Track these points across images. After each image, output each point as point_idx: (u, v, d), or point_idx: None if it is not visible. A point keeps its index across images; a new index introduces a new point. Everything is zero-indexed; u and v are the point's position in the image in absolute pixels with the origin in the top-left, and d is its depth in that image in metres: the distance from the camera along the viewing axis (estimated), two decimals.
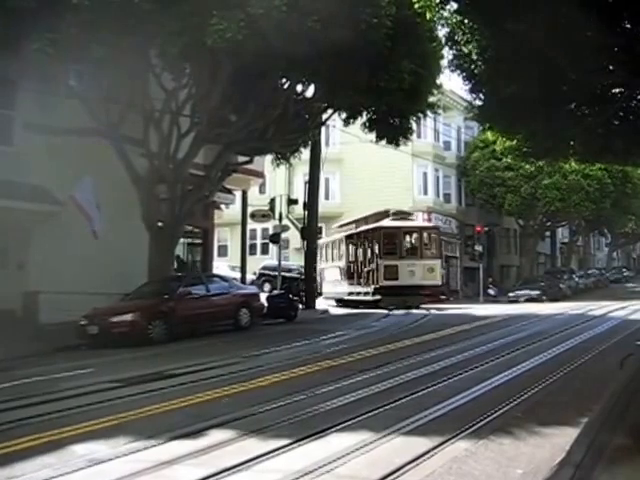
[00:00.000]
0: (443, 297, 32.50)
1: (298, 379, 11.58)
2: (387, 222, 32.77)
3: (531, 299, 38.40)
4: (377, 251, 31.73)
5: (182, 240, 24.74)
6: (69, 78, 19.31)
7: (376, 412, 8.70)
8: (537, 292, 39.72)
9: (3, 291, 19.04)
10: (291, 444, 7.32)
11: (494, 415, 8.41)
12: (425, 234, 33.16)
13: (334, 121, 29.06)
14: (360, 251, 34.20)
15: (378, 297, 30.44)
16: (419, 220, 39.19)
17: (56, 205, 19.30)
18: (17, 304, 19.59)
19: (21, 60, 16.86)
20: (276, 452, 7.06)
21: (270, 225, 33.59)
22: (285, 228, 30.99)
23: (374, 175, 43.10)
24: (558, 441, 7.17)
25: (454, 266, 45.84)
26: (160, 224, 21.00)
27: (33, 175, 19.01)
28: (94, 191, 18.90)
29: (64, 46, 16.15)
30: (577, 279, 50.42)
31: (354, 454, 6.91)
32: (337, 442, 7.37)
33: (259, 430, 7.92)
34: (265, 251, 44.66)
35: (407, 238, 33.14)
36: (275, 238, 30.31)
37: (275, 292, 26.79)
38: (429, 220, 42.52)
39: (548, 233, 58.08)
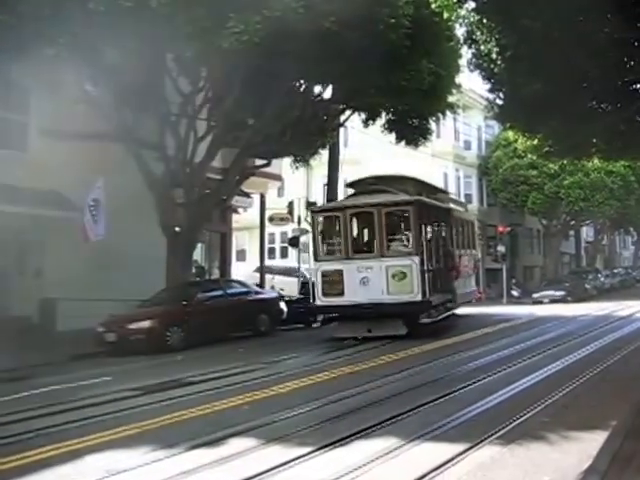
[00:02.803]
0: (427, 320, 18.68)
1: (319, 385, 11.48)
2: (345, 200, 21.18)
3: (556, 300, 37.92)
4: (312, 248, 19.87)
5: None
6: (84, 83, 19.28)
7: (400, 418, 8.58)
8: (562, 293, 39.21)
9: (20, 298, 19.11)
10: (314, 451, 7.23)
11: (520, 420, 8.26)
12: (388, 215, 18.73)
13: (352, 122, 28.90)
14: None
15: (318, 324, 21.08)
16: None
17: (72, 211, 19.29)
18: (34, 311, 19.66)
19: (36, 66, 16.86)
20: (299, 460, 6.98)
21: (289, 228, 33.46)
22: (304, 231, 30.81)
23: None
24: (585, 447, 7.03)
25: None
26: (177, 229, 20.96)
27: (49, 181, 19.02)
28: (102, 194, 18.83)
29: (79, 51, 16.17)
30: (602, 279, 49.81)
31: (378, 461, 6.82)
32: (361, 449, 7.27)
33: (281, 438, 7.84)
34: (284, 255, 44.52)
35: (360, 224, 20.42)
36: (294, 242, 30.15)
37: (294, 297, 26.59)
38: None
39: (572, 232, 57.56)
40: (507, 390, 10.15)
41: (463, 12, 19.84)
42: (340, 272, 18.34)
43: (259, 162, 24.91)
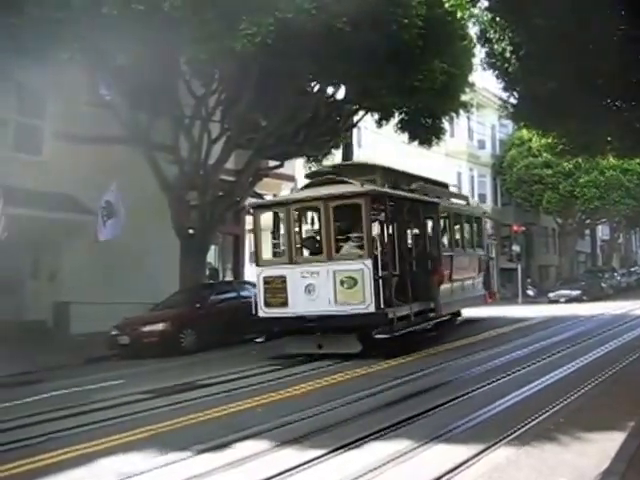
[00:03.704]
0: (382, 335, 14.91)
1: (332, 387, 11.43)
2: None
3: (572, 299, 37.71)
4: (253, 251, 17.48)
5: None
6: (98, 87, 19.37)
7: (414, 420, 8.54)
8: (577, 292, 38.96)
9: (34, 302, 19.24)
10: (327, 454, 7.21)
11: (536, 421, 8.21)
12: (337, 210, 15.59)
13: (366, 122, 28.87)
14: None
15: (261, 339, 17.15)
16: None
17: (86, 214, 19.40)
18: (48, 315, 19.77)
19: (50, 70, 17.05)
20: (311, 463, 6.96)
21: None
22: None
23: None
24: (602, 447, 6.97)
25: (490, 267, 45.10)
26: (191, 231, 20.98)
27: (63, 185, 19.16)
28: (115, 196, 18.90)
29: (93, 55, 16.25)
30: (619, 278, 49.41)
31: (391, 464, 6.78)
32: (374, 452, 7.23)
33: (294, 440, 7.81)
34: None
35: (306, 222, 18.15)
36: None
37: None
38: None
39: (587, 231, 57.28)
40: (523, 391, 10.09)
41: (476, 11, 19.75)
42: (283, 278, 15.63)
43: (272, 163, 24.91)
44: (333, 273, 15.02)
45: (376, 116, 25.19)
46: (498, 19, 18.51)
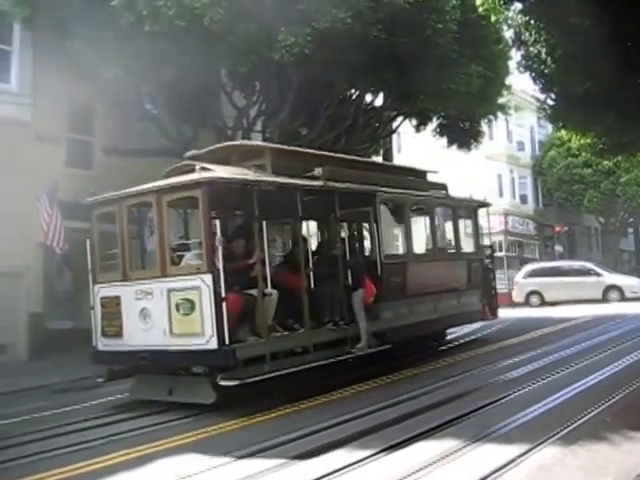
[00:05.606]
0: (228, 382, 10.16)
1: (380, 389, 11.50)
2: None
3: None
4: (90, 263, 12.46)
5: None
6: (143, 102, 19.86)
7: (460, 420, 8.60)
8: None
9: (89, 311, 19.65)
10: (376, 454, 7.29)
11: (582, 420, 8.20)
12: (172, 207, 12.10)
13: (404, 127, 28.96)
14: None
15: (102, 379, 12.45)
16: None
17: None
18: None
19: (99, 87, 17.57)
20: (359, 464, 7.05)
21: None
22: None
23: (447, 180, 42.55)
24: None
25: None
26: None
27: None
28: None
29: (138, 71, 16.68)
30: None
31: (438, 464, 6.86)
32: (421, 453, 7.30)
33: (342, 442, 7.89)
34: None
35: (143, 224, 13.70)
36: None
37: None
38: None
39: (631, 229, 56.43)
40: (569, 390, 10.07)
41: (510, 14, 19.82)
42: (117, 300, 11.73)
43: None
44: (167, 293, 10.87)
45: (414, 121, 25.30)
46: (533, 21, 18.57)
